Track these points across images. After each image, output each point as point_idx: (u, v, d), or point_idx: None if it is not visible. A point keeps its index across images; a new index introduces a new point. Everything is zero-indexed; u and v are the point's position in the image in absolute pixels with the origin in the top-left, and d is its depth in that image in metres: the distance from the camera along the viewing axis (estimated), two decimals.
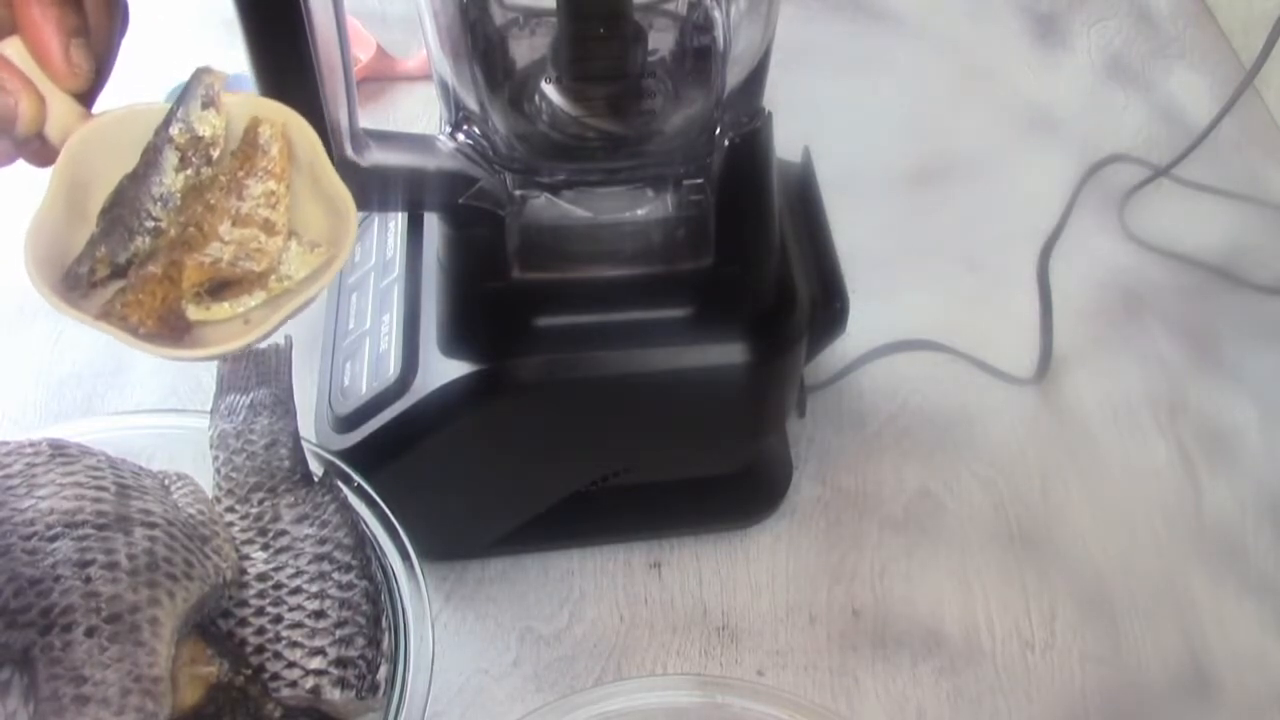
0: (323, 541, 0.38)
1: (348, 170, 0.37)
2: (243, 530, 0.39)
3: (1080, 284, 0.65)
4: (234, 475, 0.40)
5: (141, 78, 0.71)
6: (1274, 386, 0.61)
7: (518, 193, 0.43)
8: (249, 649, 0.36)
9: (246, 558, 0.38)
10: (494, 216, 0.42)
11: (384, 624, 0.38)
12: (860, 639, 0.51)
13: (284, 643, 0.36)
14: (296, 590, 0.37)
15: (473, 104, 0.42)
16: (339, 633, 0.36)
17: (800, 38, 0.78)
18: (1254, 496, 0.57)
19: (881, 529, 0.55)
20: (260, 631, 0.36)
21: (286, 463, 0.40)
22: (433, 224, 0.47)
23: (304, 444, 0.42)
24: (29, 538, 0.33)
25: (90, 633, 0.31)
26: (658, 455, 0.51)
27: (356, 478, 0.42)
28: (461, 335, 0.44)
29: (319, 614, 0.37)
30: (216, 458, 0.41)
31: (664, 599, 0.52)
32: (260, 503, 0.39)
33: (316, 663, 0.36)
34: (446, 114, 0.43)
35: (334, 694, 0.35)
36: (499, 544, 0.52)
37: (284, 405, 0.42)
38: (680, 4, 0.43)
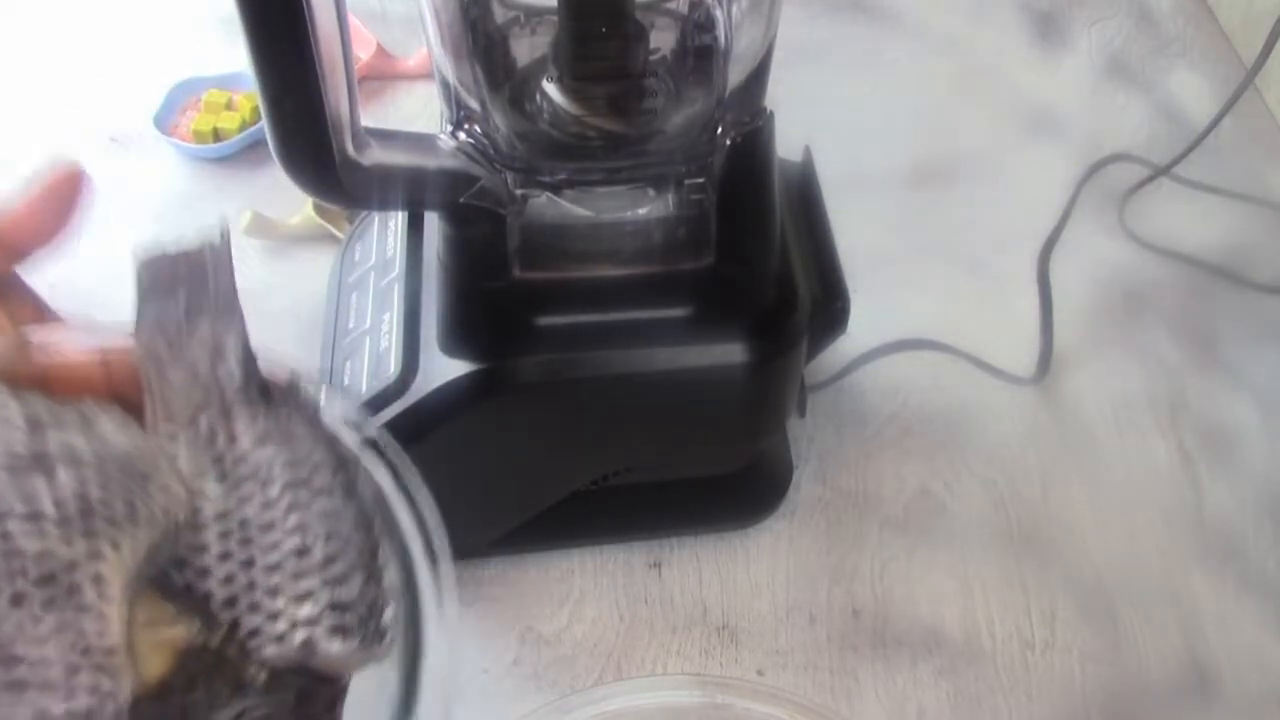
0: (294, 464, 0.32)
1: (349, 169, 0.37)
2: (191, 461, 0.32)
3: (1080, 284, 0.65)
4: (172, 396, 0.33)
5: (142, 77, 0.71)
6: (1274, 386, 0.61)
7: (518, 192, 0.43)
8: (216, 603, 0.30)
9: (199, 494, 0.31)
10: (495, 216, 0.42)
11: (382, 557, 0.32)
12: (860, 639, 0.51)
13: (261, 590, 0.30)
14: (269, 526, 0.31)
15: (474, 103, 0.42)
16: (329, 571, 0.30)
17: (801, 37, 0.78)
18: (1254, 496, 0.57)
19: (882, 529, 0.55)
20: (228, 580, 0.30)
21: (237, 374, 0.33)
22: (433, 223, 0.47)
23: (258, 351, 0.34)
24: None
25: (17, 601, 0.26)
26: (658, 455, 0.51)
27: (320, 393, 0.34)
28: (462, 335, 0.44)
29: (301, 551, 0.30)
30: (148, 377, 0.33)
31: (664, 599, 0.52)
32: (209, 426, 0.32)
33: (307, 610, 0.29)
34: (447, 113, 0.43)
35: (332, 646, 0.29)
36: (499, 544, 0.52)
37: (227, 307, 0.34)
38: (682, 3, 0.43)
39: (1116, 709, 0.49)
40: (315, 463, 0.32)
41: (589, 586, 0.52)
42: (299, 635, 0.29)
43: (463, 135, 0.42)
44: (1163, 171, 0.68)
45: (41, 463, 0.28)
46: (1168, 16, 0.83)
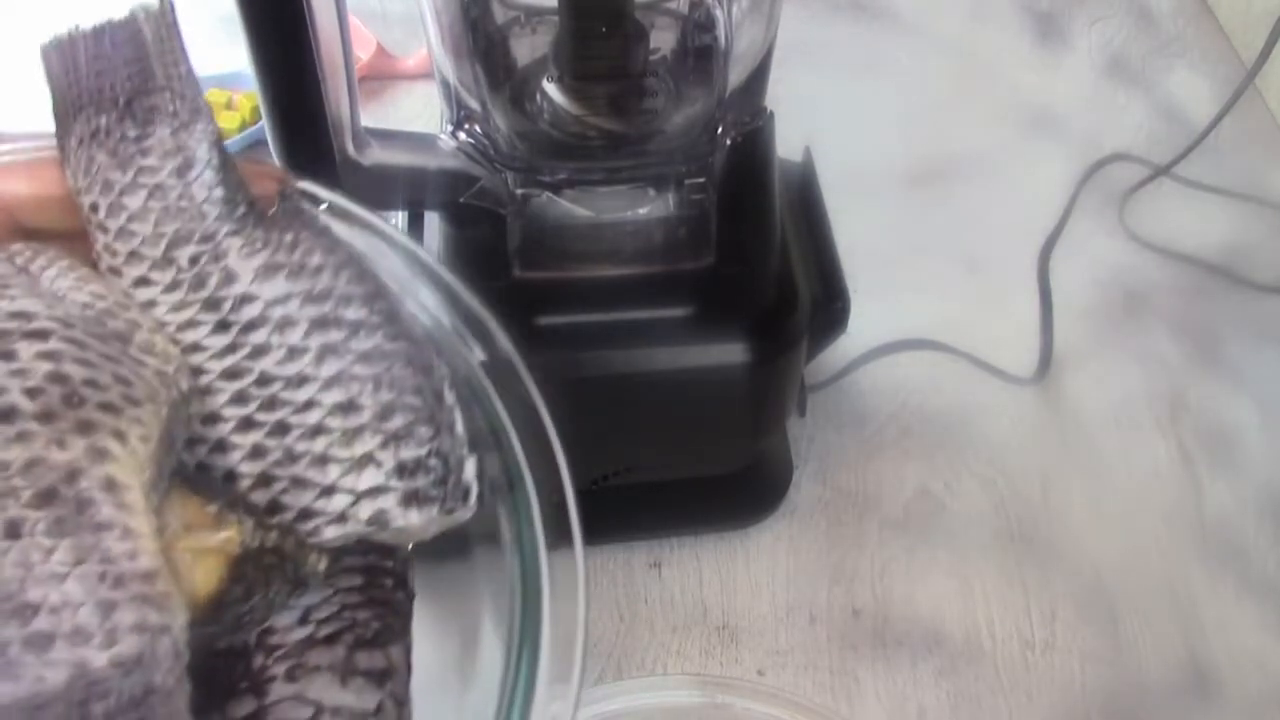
0: (316, 298, 0.25)
1: (349, 169, 0.37)
2: (174, 309, 0.25)
3: (1080, 284, 0.65)
4: (134, 228, 0.25)
5: None
6: (1274, 386, 0.61)
7: (519, 192, 0.43)
8: (245, 485, 0.23)
9: (196, 348, 0.24)
10: (495, 215, 0.42)
11: (450, 398, 0.25)
12: (860, 639, 0.51)
13: (306, 462, 0.23)
14: (300, 380, 0.24)
15: (474, 103, 0.42)
16: (387, 426, 0.24)
17: (801, 37, 0.78)
18: (1254, 496, 0.57)
19: (882, 529, 0.55)
20: (257, 454, 0.24)
21: (219, 189, 0.25)
22: (433, 223, 0.47)
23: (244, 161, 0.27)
24: None
25: (13, 531, 0.19)
26: (658, 455, 0.51)
27: (330, 195, 0.28)
28: None
29: (347, 406, 0.24)
30: (90, 206, 0.25)
31: (664, 599, 0.52)
32: (193, 262, 0.25)
33: (369, 478, 0.23)
34: (448, 113, 0.43)
35: (408, 516, 0.23)
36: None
37: (185, 99, 0.26)
38: (682, 3, 0.43)
39: (1116, 709, 0.49)
40: (342, 294, 0.25)
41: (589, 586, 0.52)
42: (364, 510, 0.23)
43: (463, 135, 0.42)
44: (1163, 171, 0.68)
45: None
46: (1168, 16, 0.83)
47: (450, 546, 0.26)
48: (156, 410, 0.22)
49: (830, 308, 0.50)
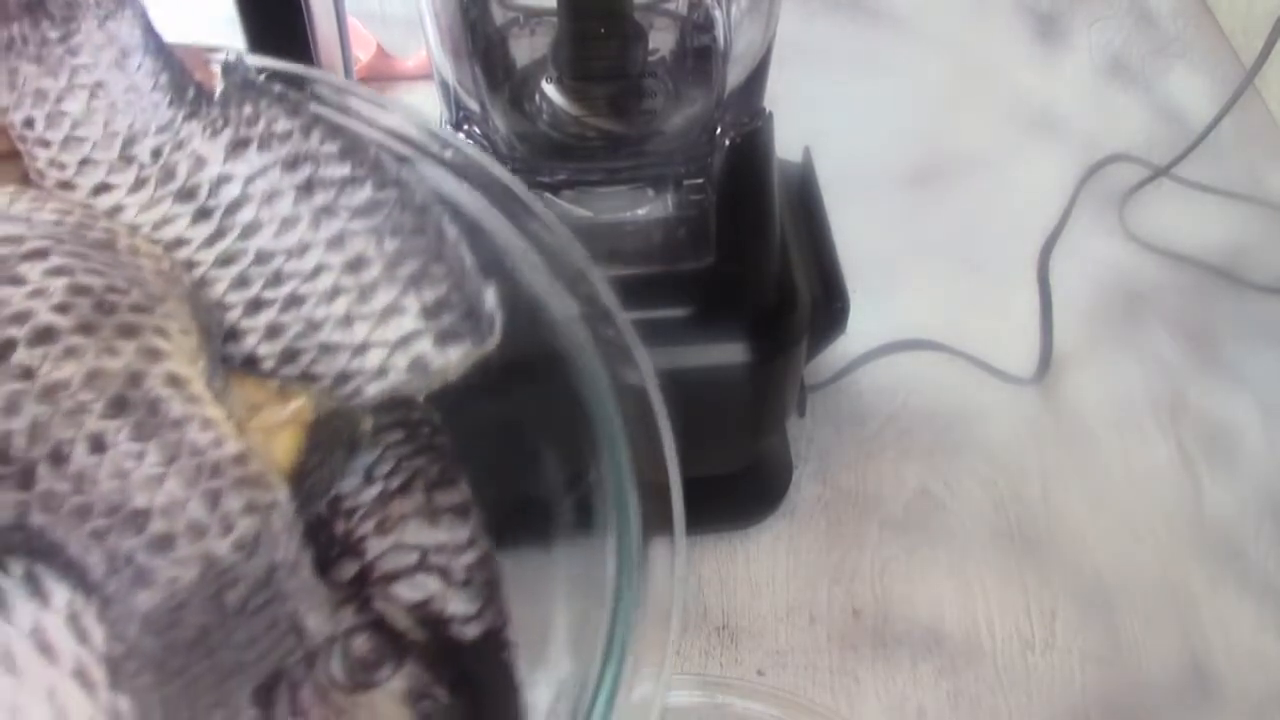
0: (295, 163, 0.24)
1: None
2: (144, 208, 0.23)
3: (1080, 284, 0.65)
4: (81, 133, 0.24)
5: None
6: (1274, 386, 0.61)
7: None
8: (268, 366, 0.23)
9: (178, 242, 0.23)
10: None
11: (450, 232, 0.24)
12: (860, 639, 0.51)
13: (329, 326, 0.23)
14: (302, 248, 0.23)
15: (473, 104, 0.42)
16: (402, 271, 0.23)
17: (801, 37, 0.78)
18: (1254, 496, 0.57)
19: (881, 529, 0.55)
20: (274, 332, 0.23)
21: (164, 74, 0.24)
22: None
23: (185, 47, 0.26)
24: None
25: (97, 445, 0.19)
26: None
27: (276, 65, 0.27)
28: None
29: (357, 262, 0.23)
30: (30, 124, 0.24)
31: None
32: (155, 154, 0.24)
33: (398, 326, 0.23)
34: (447, 114, 0.43)
35: (445, 355, 0.23)
36: (498, 543, 0.52)
37: None
38: (681, 3, 0.43)
39: (1116, 709, 0.49)
40: (319, 154, 0.24)
41: None
42: (401, 359, 0.23)
43: (462, 136, 0.42)
44: (1163, 172, 0.68)
45: None
46: (1167, 17, 0.83)
47: (531, 536, 0.26)
48: (178, 305, 0.21)
49: (830, 308, 0.50)
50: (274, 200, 0.24)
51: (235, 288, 0.23)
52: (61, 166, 0.24)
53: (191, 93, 0.24)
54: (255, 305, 0.23)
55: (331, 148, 0.24)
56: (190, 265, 0.23)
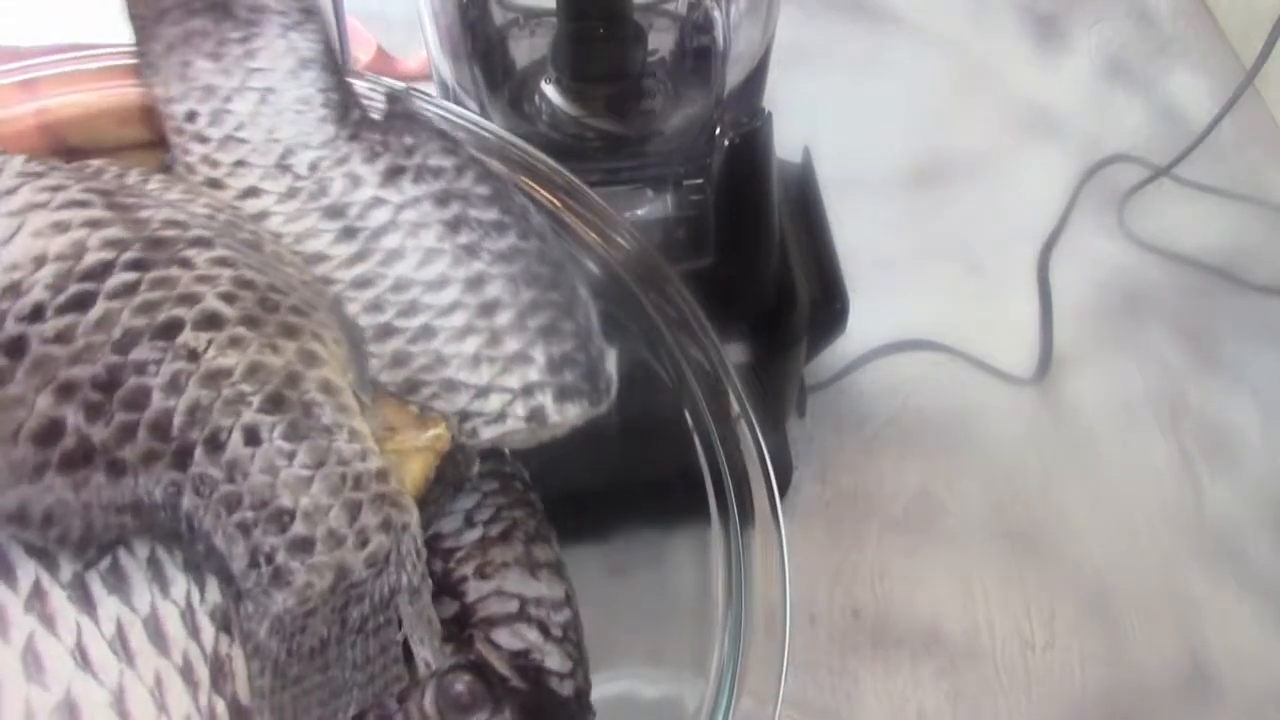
0: (445, 198, 0.24)
1: None
2: (291, 219, 0.23)
3: (1080, 284, 0.65)
4: (243, 135, 0.24)
5: None
6: (1274, 386, 0.61)
7: None
8: (391, 390, 0.23)
9: (319, 258, 0.23)
10: None
11: (583, 292, 0.25)
12: (860, 639, 0.51)
13: (456, 364, 0.23)
14: (442, 283, 0.23)
15: (473, 104, 0.42)
16: (534, 322, 0.23)
17: (801, 37, 0.78)
18: (1254, 496, 0.57)
19: (882, 529, 0.55)
20: (399, 361, 0.23)
21: (335, 93, 0.25)
22: None
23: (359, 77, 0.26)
24: (29, 317, 0.18)
25: (252, 437, 0.19)
26: None
27: (436, 103, 0.26)
28: None
29: (493, 305, 0.23)
30: (192, 118, 0.24)
31: None
32: (313, 167, 0.24)
33: (524, 375, 0.23)
34: None
35: (563, 411, 0.23)
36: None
37: (290, 3, 0.26)
38: (680, 4, 0.43)
39: (1116, 709, 0.49)
40: (470, 194, 0.24)
41: None
42: (521, 408, 0.23)
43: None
44: (1163, 172, 0.68)
45: (163, 250, 0.19)
46: (1167, 17, 0.83)
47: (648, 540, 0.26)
48: (329, 315, 0.21)
49: (829, 308, 0.50)
50: (420, 231, 0.24)
51: (368, 311, 0.23)
52: (215, 164, 0.23)
53: (356, 114, 0.25)
54: (385, 331, 0.23)
55: (483, 190, 0.24)
56: (326, 282, 0.23)
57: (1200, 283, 0.66)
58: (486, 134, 0.26)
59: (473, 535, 0.23)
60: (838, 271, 0.51)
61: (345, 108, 0.25)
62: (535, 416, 0.23)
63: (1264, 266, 0.66)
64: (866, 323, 0.56)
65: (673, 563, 0.26)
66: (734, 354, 0.45)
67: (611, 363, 0.24)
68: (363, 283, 0.23)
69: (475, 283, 0.23)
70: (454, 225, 0.24)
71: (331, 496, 0.19)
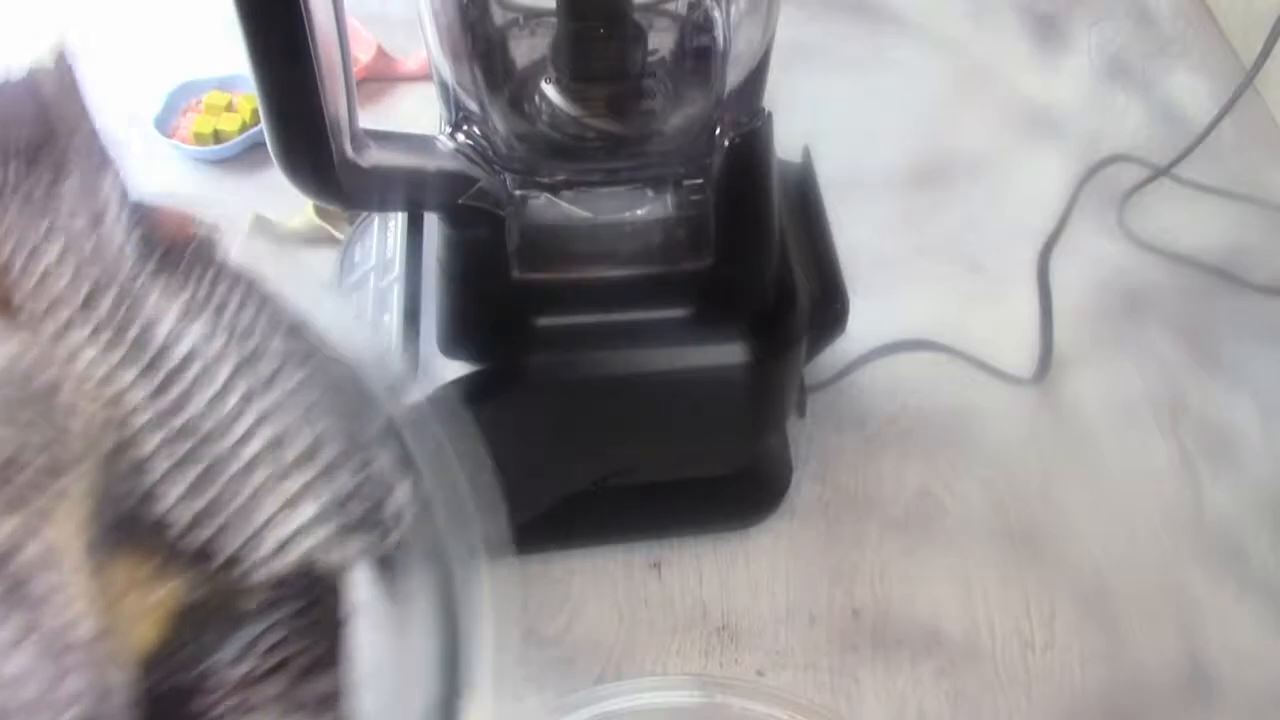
0: (242, 334, 0.25)
1: (348, 171, 0.37)
2: (99, 358, 0.24)
3: (1080, 284, 0.65)
4: (52, 279, 0.25)
5: (142, 79, 0.72)
6: (1274, 386, 0.61)
7: (517, 193, 0.43)
8: (175, 531, 0.23)
9: (122, 396, 0.24)
10: (494, 217, 0.42)
11: (375, 426, 0.25)
12: (860, 639, 0.51)
13: (240, 501, 0.23)
14: (232, 418, 0.24)
15: (473, 104, 0.42)
16: (317, 462, 0.24)
17: (801, 37, 0.78)
18: (1254, 496, 0.57)
19: (881, 529, 0.55)
20: (189, 497, 0.23)
21: (135, 233, 0.25)
22: (433, 224, 0.47)
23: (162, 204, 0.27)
24: None
25: None
26: (658, 455, 0.51)
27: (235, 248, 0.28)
28: (461, 335, 0.44)
29: (280, 442, 0.24)
30: (10, 265, 0.25)
31: (664, 599, 0.52)
32: (115, 306, 0.25)
33: (301, 515, 0.24)
34: (446, 114, 0.43)
35: (342, 550, 0.24)
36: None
37: (88, 149, 0.26)
38: (680, 4, 0.43)
39: (1116, 709, 0.49)
40: (266, 329, 0.25)
41: (589, 587, 0.52)
42: (298, 546, 0.23)
43: (461, 137, 0.42)
44: (1163, 172, 0.68)
45: None
46: (1167, 17, 0.83)
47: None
48: (90, 469, 0.22)
49: (829, 308, 0.50)
50: (211, 370, 0.24)
51: (164, 447, 0.23)
52: (34, 303, 0.25)
53: (159, 252, 0.25)
54: (178, 468, 0.23)
55: (279, 325, 0.25)
56: (124, 421, 0.23)
57: (1200, 283, 0.66)
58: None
59: (240, 670, 0.23)
60: (838, 271, 0.51)
61: (149, 246, 0.26)
62: (315, 552, 0.23)
63: (1264, 266, 0.66)
64: (866, 323, 0.56)
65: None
66: (733, 354, 0.45)
67: (403, 496, 0.24)
68: (161, 419, 0.24)
69: (264, 418, 0.24)
70: (249, 360, 0.25)
71: (36, 664, 0.19)
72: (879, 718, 0.49)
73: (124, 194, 0.26)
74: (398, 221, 0.52)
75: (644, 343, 0.45)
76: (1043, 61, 0.79)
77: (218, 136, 0.68)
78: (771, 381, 0.48)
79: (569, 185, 0.43)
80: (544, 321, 0.44)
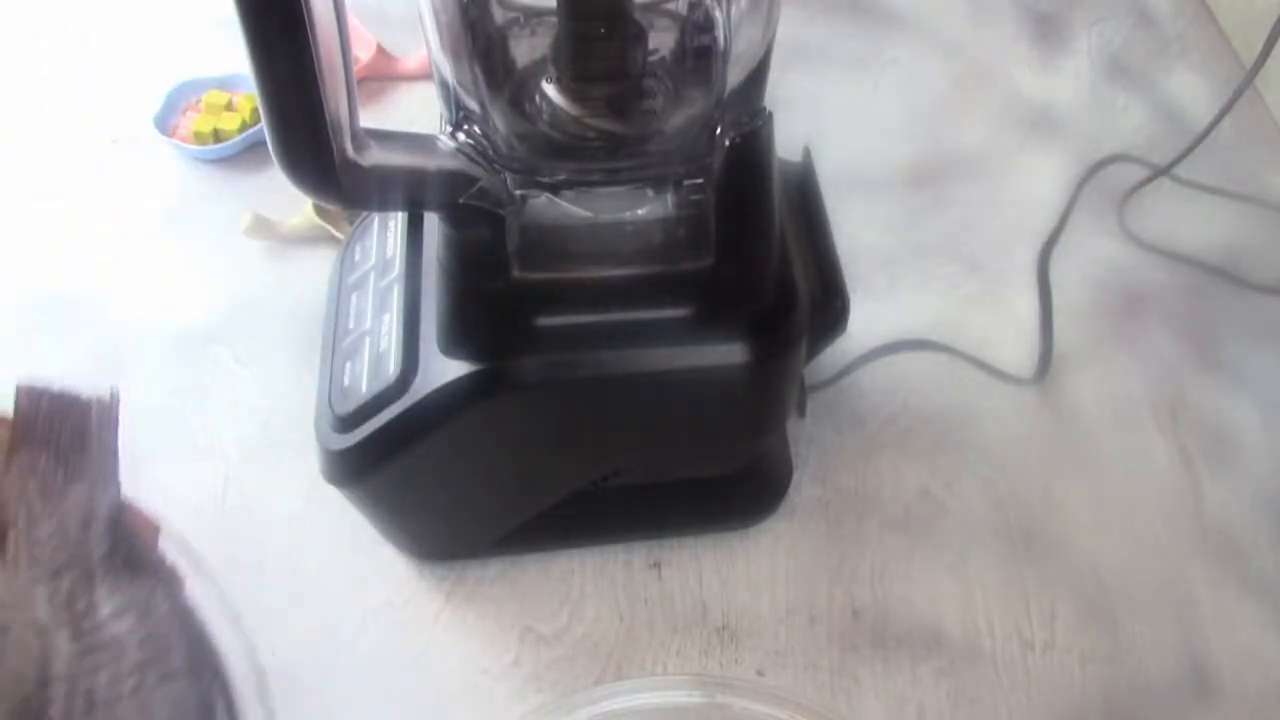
0: (149, 641, 0.31)
1: (348, 170, 0.37)
2: (48, 614, 0.31)
3: (1080, 284, 0.65)
4: (39, 546, 0.32)
5: (142, 78, 0.72)
6: (1274, 386, 0.61)
7: (518, 192, 0.43)
8: None
9: (52, 649, 0.30)
10: (494, 216, 0.42)
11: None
12: (860, 639, 0.51)
13: None
14: (114, 699, 0.30)
15: (473, 104, 0.42)
16: None
17: (801, 37, 0.78)
18: (1254, 496, 0.57)
19: (881, 529, 0.55)
20: None
21: (104, 543, 0.33)
22: (433, 224, 0.47)
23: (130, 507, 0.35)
24: None
25: None
26: (658, 455, 0.51)
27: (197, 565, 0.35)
28: (461, 335, 0.44)
29: None
30: (16, 514, 0.32)
31: (664, 599, 0.52)
32: (71, 587, 0.31)
33: None
34: (447, 114, 0.43)
35: None
36: (499, 544, 0.52)
37: (104, 472, 0.34)
38: (681, 3, 0.43)
39: (1116, 709, 0.49)
40: (169, 643, 0.32)
41: (589, 587, 0.52)
42: None
43: (462, 136, 0.42)
44: (1163, 172, 0.68)
45: None
46: (1167, 17, 0.83)
47: None
48: (8, 702, 0.27)
49: (830, 308, 0.50)
50: (119, 658, 0.31)
51: (64, 698, 0.29)
52: (24, 552, 0.31)
53: (120, 558, 0.32)
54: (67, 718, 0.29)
55: (182, 641, 0.32)
56: (47, 664, 0.29)
57: (1200, 283, 0.66)
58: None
59: None
60: (838, 271, 0.51)
61: (113, 552, 0.33)
62: None
63: (1264, 266, 0.66)
64: (866, 323, 0.56)
65: None
66: (734, 354, 0.45)
67: None
68: (68, 677, 0.29)
69: (137, 711, 0.30)
70: (145, 663, 0.31)
71: None
72: (879, 718, 0.49)
73: (113, 510, 0.33)
74: (398, 221, 0.52)
75: (644, 343, 0.44)
76: (1043, 61, 0.79)
77: (217, 136, 0.68)
78: (771, 381, 0.48)
79: (569, 185, 0.43)
80: (544, 321, 0.44)
